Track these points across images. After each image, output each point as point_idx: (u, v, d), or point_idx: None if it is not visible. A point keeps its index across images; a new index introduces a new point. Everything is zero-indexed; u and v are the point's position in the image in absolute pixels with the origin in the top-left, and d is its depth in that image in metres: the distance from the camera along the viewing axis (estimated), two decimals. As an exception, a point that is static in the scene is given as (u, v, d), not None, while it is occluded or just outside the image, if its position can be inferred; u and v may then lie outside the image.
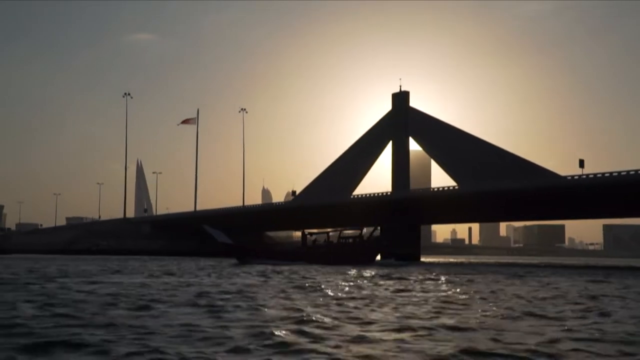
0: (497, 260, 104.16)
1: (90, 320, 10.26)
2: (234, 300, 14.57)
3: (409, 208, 78.84)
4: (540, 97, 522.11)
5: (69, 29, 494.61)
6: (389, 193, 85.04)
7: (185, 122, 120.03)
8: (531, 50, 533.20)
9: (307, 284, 21.20)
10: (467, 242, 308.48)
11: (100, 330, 9.04)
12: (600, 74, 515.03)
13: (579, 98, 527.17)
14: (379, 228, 62.05)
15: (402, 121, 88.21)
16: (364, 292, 18.14)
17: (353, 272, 33.42)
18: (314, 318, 10.70)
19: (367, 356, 7.38)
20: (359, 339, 8.52)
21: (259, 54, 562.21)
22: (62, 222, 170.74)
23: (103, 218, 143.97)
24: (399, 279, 26.90)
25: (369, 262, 50.77)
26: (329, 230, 59.47)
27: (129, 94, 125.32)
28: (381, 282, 23.57)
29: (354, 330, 9.45)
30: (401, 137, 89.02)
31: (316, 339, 8.51)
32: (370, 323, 10.35)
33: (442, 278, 28.28)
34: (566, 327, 10.12)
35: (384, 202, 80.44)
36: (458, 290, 20.03)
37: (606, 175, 61.83)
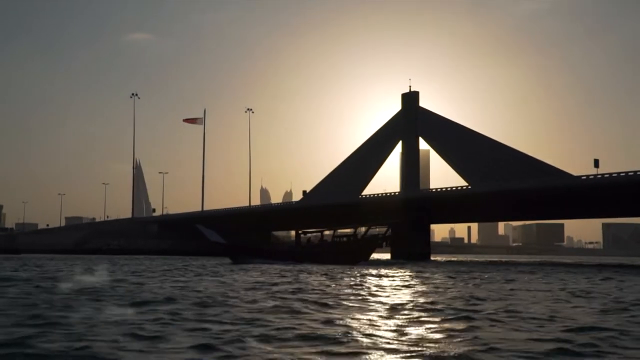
0: (500, 259, 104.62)
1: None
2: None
3: (420, 207, 78.97)
4: (538, 97, 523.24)
5: (69, 28, 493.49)
6: (398, 193, 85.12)
7: (190, 121, 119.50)
8: (529, 49, 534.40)
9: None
10: (465, 240, 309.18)
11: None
12: (598, 73, 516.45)
13: (578, 97, 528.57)
14: (375, 227, 61.83)
15: (412, 121, 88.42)
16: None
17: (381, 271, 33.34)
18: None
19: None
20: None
21: (259, 53, 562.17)
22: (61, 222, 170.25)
23: (103, 218, 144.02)
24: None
25: (364, 261, 50.55)
26: (323, 229, 58.86)
27: (136, 94, 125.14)
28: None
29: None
30: (411, 137, 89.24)
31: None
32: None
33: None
34: None
35: (395, 202, 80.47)
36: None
37: (622, 175, 62.04)
